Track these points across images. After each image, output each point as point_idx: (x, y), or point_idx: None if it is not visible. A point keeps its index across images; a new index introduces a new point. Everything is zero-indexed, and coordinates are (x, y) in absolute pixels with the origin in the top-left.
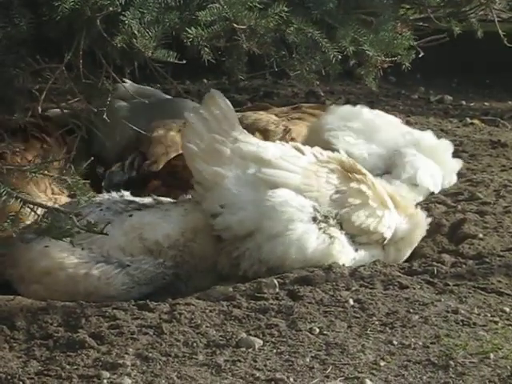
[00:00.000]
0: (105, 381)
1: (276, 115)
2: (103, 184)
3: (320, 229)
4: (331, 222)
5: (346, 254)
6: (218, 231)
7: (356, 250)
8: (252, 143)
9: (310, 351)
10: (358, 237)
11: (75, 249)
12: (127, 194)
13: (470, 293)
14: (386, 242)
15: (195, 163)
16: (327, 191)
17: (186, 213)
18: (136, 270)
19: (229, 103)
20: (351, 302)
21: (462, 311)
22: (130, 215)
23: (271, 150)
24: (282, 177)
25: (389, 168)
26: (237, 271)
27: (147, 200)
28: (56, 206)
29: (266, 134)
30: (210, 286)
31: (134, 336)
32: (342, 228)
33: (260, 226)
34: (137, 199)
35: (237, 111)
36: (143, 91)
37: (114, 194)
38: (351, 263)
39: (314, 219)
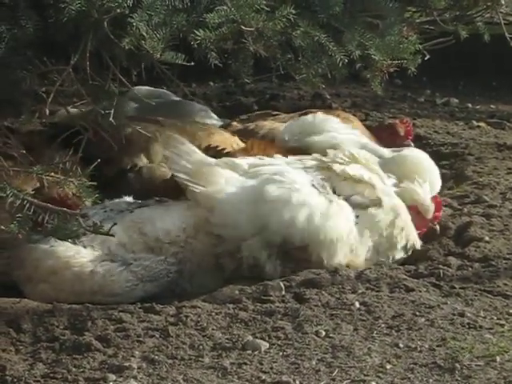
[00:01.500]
0: (111, 383)
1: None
2: None
3: (321, 193)
4: (328, 189)
5: (347, 217)
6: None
7: (357, 217)
8: (228, 158)
9: (316, 354)
10: (353, 196)
11: (81, 248)
12: (130, 199)
13: (476, 296)
14: (382, 204)
15: (191, 188)
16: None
17: (187, 208)
18: (138, 266)
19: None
20: (357, 304)
21: (468, 314)
22: (131, 211)
23: (244, 160)
24: (267, 170)
25: None
26: (240, 270)
27: (150, 201)
28: None
29: None
30: (215, 286)
31: (140, 339)
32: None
33: (261, 195)
34: (140, 200)
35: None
36: (152, 92)
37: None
38: (353, 227)
39: (314, 186)
